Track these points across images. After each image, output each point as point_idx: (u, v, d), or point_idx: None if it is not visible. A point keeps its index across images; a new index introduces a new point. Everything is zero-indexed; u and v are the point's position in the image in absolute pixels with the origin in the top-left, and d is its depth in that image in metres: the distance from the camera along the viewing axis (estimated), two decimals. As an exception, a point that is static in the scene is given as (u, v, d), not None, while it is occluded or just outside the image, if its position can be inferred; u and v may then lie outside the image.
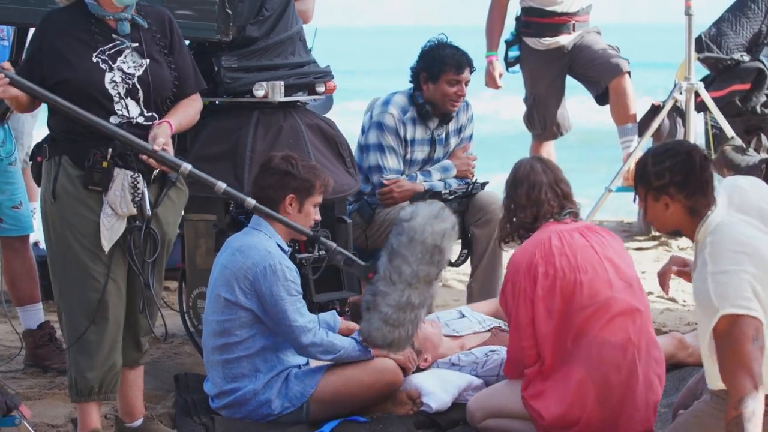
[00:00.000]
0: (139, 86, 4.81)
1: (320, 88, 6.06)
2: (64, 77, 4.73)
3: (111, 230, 4.78)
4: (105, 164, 4.74)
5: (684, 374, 5.80)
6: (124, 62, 4.80)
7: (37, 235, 7.57)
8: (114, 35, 4.82)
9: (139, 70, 4.82)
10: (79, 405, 4.90)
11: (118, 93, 4.78)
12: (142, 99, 4.82)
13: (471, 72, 6.72)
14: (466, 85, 6.70)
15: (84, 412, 4.90)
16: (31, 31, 5.45)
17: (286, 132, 5.86)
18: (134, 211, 4.81)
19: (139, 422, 5.11)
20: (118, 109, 4.79)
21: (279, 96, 5.83)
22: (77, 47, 4.77)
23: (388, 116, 6.62)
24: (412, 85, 6.76)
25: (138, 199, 4.81)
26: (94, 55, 4.78)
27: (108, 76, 4.76)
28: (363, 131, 6.73)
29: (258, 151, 5.74)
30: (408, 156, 6.68)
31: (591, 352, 4.82)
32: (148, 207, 4.84)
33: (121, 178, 4.77)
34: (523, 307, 4.88)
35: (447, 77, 6.63)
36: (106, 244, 4.79)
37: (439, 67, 6.63)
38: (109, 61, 4.78)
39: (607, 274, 4.88)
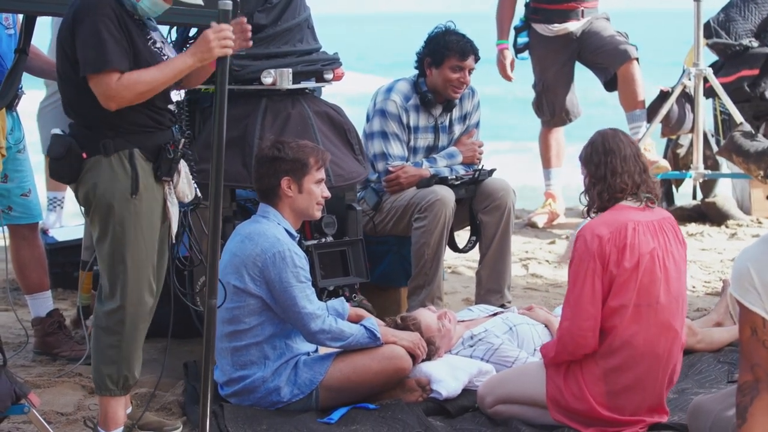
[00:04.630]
0: None
1: (328, 75, 6.05)
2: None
3: (175, 218, 4.79)
4: (175, 155, 4.70)
5: (693, 360, 5.81)
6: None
7: (58, 222, 7.60)
8: (147, 29, 4.76)
9: None
10: (114, 399, 4.80)
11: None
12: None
13: (476, 61, 6.71)
14: (470, 73, 6.69)
15: (118, 404, 4.82)
16: (41, 19, 5.42)
17: (294, 119, 5.86)
18: (192, 196, 4.82)
19: (128, 410, 5.06)
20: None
21: (287, 83, 5.82)
22: (144, 42, 4.68)
23: (391, 103, 6.62)
24: (416, 73, 6.75)
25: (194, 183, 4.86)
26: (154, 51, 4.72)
27: None
28: (367, 119, 6.73)
29: (266, 138, 5.73)
30: (411, 143, 6.67)
31: (614, 348, 4.85)
32: (195, 189, 4.89)
33: (184, 166, 4.77)
34: (590, 287, 4.80)
35: (450, 63, 6.62)
36: (175, 232, 4.79)
37: (443, 52, 6.62)
38: (164, 57, 4.72)
39: (657, 286, 4.84)
